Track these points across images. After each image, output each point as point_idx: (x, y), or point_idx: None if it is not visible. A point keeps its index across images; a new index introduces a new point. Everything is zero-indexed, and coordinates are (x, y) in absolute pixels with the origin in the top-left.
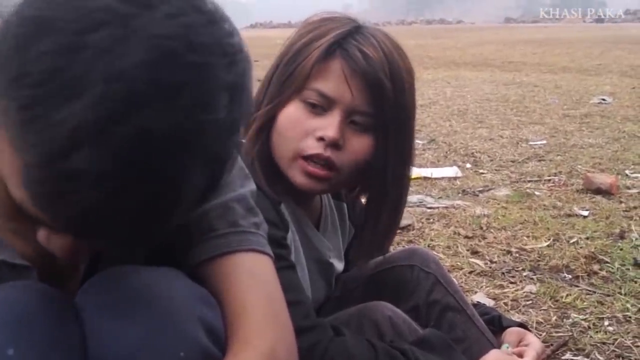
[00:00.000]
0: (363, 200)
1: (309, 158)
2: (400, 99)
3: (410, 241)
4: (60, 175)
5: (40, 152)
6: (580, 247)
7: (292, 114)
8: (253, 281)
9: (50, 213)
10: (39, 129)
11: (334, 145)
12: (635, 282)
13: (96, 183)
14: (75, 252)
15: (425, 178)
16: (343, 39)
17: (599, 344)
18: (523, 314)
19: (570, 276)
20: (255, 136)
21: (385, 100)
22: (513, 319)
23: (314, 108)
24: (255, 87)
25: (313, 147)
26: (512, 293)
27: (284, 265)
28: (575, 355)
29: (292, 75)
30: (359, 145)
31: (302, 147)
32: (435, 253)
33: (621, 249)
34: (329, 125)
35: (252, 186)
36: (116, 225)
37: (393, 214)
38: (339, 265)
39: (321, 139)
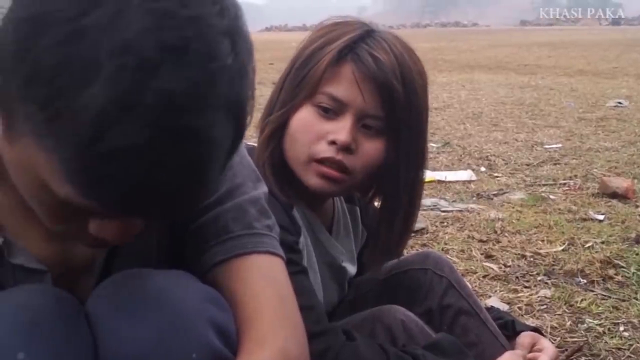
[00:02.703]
0: (376, 203)
1: (322, 161)
2: (411, 102)
3: (424, 245)
4: (100, 158)
5: (74, 142)
6: (596, 252)
7: (304, 118)
8: (266, 282)
9: (99, 198)
10: (66, 122)
11: (346, 149)
12: None
13: (136, 156)
14: (127, 233)
15: (440, 181)
16: (354, 43)
17: (614, 350)
18: (537, 318)
19: (585, 281)
20: (268, 140)
21: (397, 103)
22: (527, 323)
23: (326, 112)
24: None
25: (325, 150)
26: (527, 297)
27: (295, 270)
28: None
29: (304, 80)
30: (371, 149)
31: (314, 151)
32: (449, 257)
33: (637, 254)
34: (341, 129)
35: (264, 188)
36: (164, 193)
37: (407, 218)
38: (352, 269)
39: (333, 142)
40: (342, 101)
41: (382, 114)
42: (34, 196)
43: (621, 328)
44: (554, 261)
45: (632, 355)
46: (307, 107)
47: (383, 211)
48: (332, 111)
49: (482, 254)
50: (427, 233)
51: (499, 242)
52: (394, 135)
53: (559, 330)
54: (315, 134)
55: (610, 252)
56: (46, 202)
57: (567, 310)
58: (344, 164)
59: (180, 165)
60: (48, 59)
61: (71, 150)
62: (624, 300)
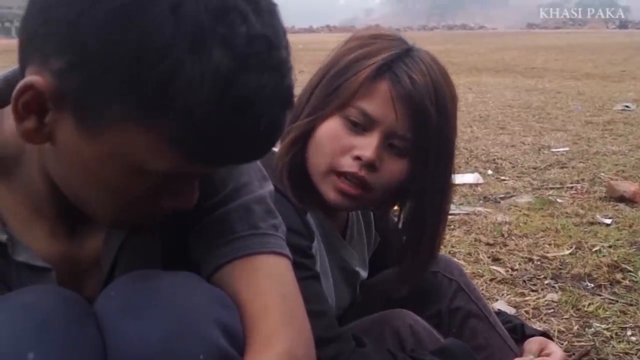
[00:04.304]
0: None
1: (343, 174)
2: (443, 126)
3: None
4: (225, 113)
5: (198, 108)
6: (603, 256)
7: (331, 129)
8: (272, 283)
9: (211, 151)
10: (186, 92)
11: (370, 166)
12: None
13: (259, 98)
14: (194, 195)
15: None
16: (392, 62)
17: (621, 354)
18: (544, 322)
19: (592, 285)
20: (291, 145)
21: (429, 127)
22: (534, 327)
23: (354, 126)
24: None
25: (349, 165)
26: (534, 301)
27: (308, 275)
28: None
29: (337, 90)
30: (395, 168)
31: (337, 164)
32: (456, 260)
33: None
34: (368, 145)
35: (270, 187)
36: (272, 128)
37: (431, 245)
38: (364, 273)
39: (358, 158)
40: (374, 118)
41: (411, 135)
42: (115, 186)
43: (628, 332)
44: (561, 265)
45: None
46: (336, 118)
47: (409, 237)
48: (361, 126)
49: (489, 258)
50: None
51: (506, 245)
52: (420, 158)
53: (566, 335)
54: (340, 147)
55: (618, 257)
56: (129, 189)
57: (574, 315)
58: (366, 181)
59: (284, 96)
60: (154, 41)
61: (195, 115)
62: (631, 305)
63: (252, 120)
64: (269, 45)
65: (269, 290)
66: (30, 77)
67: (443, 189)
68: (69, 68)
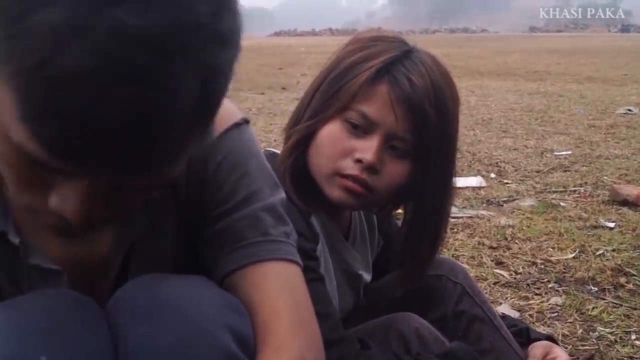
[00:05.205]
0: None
1: (345, 176)
2: (443, 128)
3: None
4: (47, 83)
5: (26, 65)
6: (607, 259)
7: (332, 132)
8: (283, 290)
9: (45, 134)
10: (23, 43)
11: (371, 169)
12: None
13: (81, 83)
14: (88, 211)
15: None
16: (392, 64)
17: (625, 358)
18: (548, 326)
19: (596, 289)
20: (293, 148)
21: (428, 129)
22: (539, 331)
23: (355, 129)
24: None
25: (350, 167)
26: (537, 305)
27: (312, 277)
28: None
29: (337, 93)
30: (396, 170)
31: (340, 166)
32: (460, 263)
33: None
34: (368, 148)
35: (281, 194)
36: (108, 135)
37: (432, 245)
38: (367, 276)
39: (359, 161)
40: (373, 120)
41: (411, 137)
42: (2, 157)
43: (633, 337)
44: (564, 269)
45: None
46: (336, 121)
47: (408, 239)
48: (361, 128)
49: (492, 261)
50: None
51: (509, 249)
52: (421, 160)
53: (570, 339)
54: (341, 150)
55: (621, 260)
56: (9, 159)
57: (578, 318)
58: (367, 183)
59: (125, 103)
60: None
61: (23, 74)
62: (635, 309)
63: (70, 107)
64: (123, 36)
65: (280, 296)
66: None
67: (444, 190)
68: None
